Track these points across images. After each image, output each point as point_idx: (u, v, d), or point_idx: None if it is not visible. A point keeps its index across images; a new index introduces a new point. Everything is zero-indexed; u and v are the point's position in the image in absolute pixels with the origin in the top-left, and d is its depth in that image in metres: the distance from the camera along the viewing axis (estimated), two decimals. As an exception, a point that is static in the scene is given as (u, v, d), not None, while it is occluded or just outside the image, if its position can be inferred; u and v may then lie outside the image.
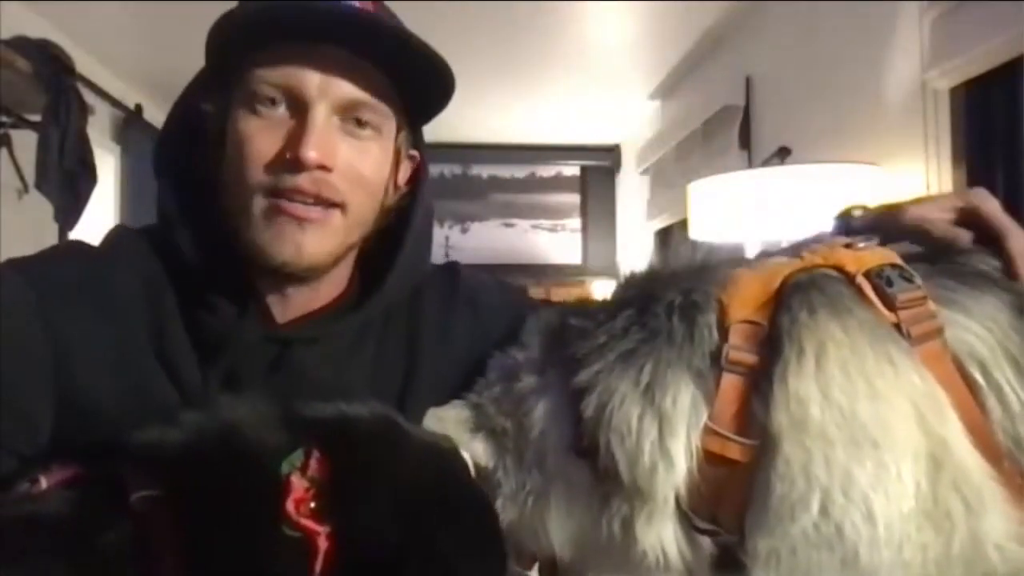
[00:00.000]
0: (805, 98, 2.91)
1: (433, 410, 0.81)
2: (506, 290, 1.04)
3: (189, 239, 0.84)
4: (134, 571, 0.58)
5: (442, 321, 0.94)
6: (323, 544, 0.59)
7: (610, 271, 5.10)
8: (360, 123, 0.83)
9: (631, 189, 5.25)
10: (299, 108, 0.80)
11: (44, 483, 0.64)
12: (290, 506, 0.60)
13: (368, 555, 0.61)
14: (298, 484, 0.61)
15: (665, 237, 4.52)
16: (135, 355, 0.82)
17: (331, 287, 0.89)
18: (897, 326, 0.66)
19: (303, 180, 0.79)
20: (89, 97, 3.18)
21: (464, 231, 5.67)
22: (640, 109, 4.70)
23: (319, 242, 0.82)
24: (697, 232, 2.64)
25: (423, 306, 0.94)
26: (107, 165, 3.58)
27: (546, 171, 5.76)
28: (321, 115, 0.80)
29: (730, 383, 0.68)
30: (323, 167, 0.80)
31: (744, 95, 3.36)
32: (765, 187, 2.42)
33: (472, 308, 0.96)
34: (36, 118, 2.85)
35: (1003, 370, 0.65)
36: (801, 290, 0.69)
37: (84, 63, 3.23)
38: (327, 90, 0.80)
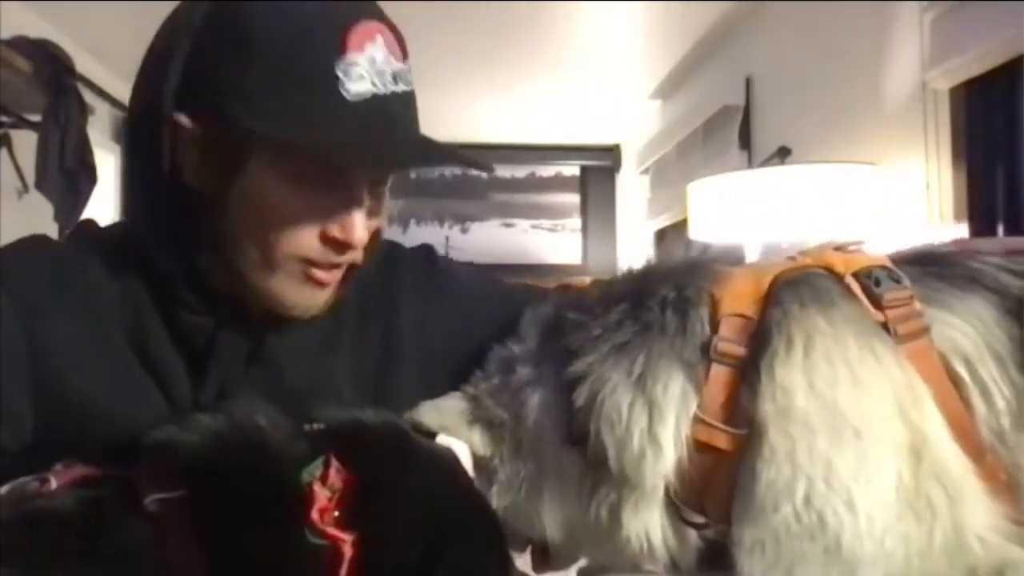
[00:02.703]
0: (805, 98, 2.91)
1: (431, 402, 0.83)
2: (482, 275, 1.04)
3: (161, 245, 0.82)
4: (150, 574, 0.58)
5: (419, 307, 0.94)
6: (348, 552, 0.60)
7: (610, 271, 5.09)
8: (382, 190, 0.83)
9: (631, 189, 5.25)
10: (340, 182, 0.79)
11: (54, 483, 0.63)
12: (315, 515, 0.61)
13: (392, 562, 0.62)
14: (321, 493, 0.62)
15: (665, 237, 4.52)
16: (112, 349, 0.82)
17: None
18: (884, 324, 0.68)
19: (344, 258, 0.81)
20: (89, 97, 3.18)
21: (464, 231, 5.66)
22: (640, 109, 4.70)
23: (330, 296, 0.84)
24: (697, 232, 2.64)
25: (400, 293, 0.94)
26: (107, 165, 3.57)
27: (546, 171, 5.76)
28: (366, 197, 0.80)
29: (718, 374, 0.70)
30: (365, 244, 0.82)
31: (744, 95, 3.36)
32: (765, 187, 2.42)
33: (449, 294, 0.96)
34: (36, 118, 2.85)
35: (988, 367, 0.67)
36: (792, 286, 0.71)
37: (84, 63, 3.22)
38: (367, 173, 0.80)
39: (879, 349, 0.67)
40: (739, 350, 0.70)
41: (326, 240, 0.79)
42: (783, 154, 2.83)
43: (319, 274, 0.81)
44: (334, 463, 0.64)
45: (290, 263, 0.80)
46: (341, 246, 0.79)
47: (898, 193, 2.27)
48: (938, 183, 2.22)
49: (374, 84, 0.76)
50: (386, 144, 0.79)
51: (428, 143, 0.81)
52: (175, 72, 0.79)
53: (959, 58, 2.12)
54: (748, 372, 0.69)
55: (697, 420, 0.70)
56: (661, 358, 0.71)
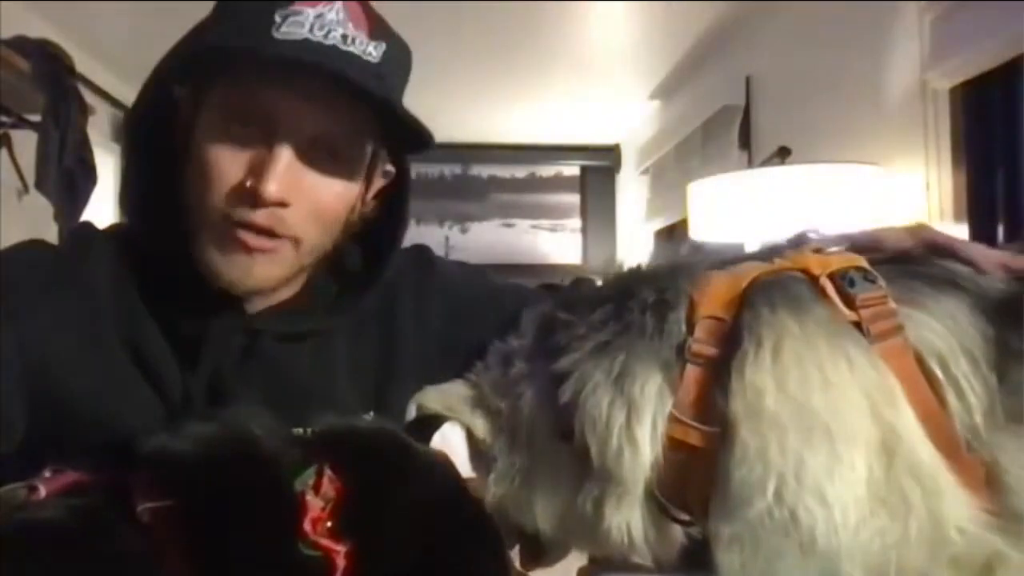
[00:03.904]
0: (805, 98, 2.91)
1: (435, 386, 0.85)
2: (475, 272, 1.06)
3: (155, 235, 0.84)
4: None
5: (417, 307, 0.95)
6: (341, 563, 0.60)
7: (610, 271, 5.08)
8: (331, 154, 0.81)
9: (631, 189, 5.25)
10: (269, 134, 0.79)
11: (43, 491, 0.63)
12: (308, 525, 0.60)
13: (387, 572, 0.62)
14: (314, 503, 0.61)
15: (665, 237, 4.52)
16: (106, 351, 0.82)
17: (290, 288, 0.90)
18: (858, 324, 0.69)
19: (258, 216, 0.79)
20: (89, 97, 3.18)
21: (464, 231, 5.66)
22: (640, 109, 4.70)
23: (267, 270, 0.82)
24: (697, 232, 2.64)
25: (397, 293, 0.95)
26: (107, 165, 3.57)
27: (546, 171, 5.76)
28: (288, 151, 0.79)
29: (692, 374, 0.72)
30: (281, 203, 0.79)
31: (744, 95, 3.36)
32: (765, 187, 2.42)
33: (444, 290, 0.98)
34: (36, 118, 2.85)
35: (960, 365, 0.67)
36: (766, 289, 0.73)
37: (84, 63, 3.22)
38: (299, 123, 0.79)
39: (850, 349, 0.68)
40: (711, 351, 0.71)
41: (240, 189, 0.78)
42: (783, 154, 2.83)
43: (243, 235, 0.79)
44: (327, 472, 0.63)
45: (218, 223, 0.80)
46: (254, 197, 0.78)
47: (898, 193, 2.27)
48: (938, 183, 2.22)
49: (311, 33, 0.77)
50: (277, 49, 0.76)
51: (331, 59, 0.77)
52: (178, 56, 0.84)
53: (959, 58, 2.12)
54: (720, 372, 0.70)
55: (673, 418, 0.71)
56: (639, 358, 0.73)
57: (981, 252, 0.73)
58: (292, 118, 0.78)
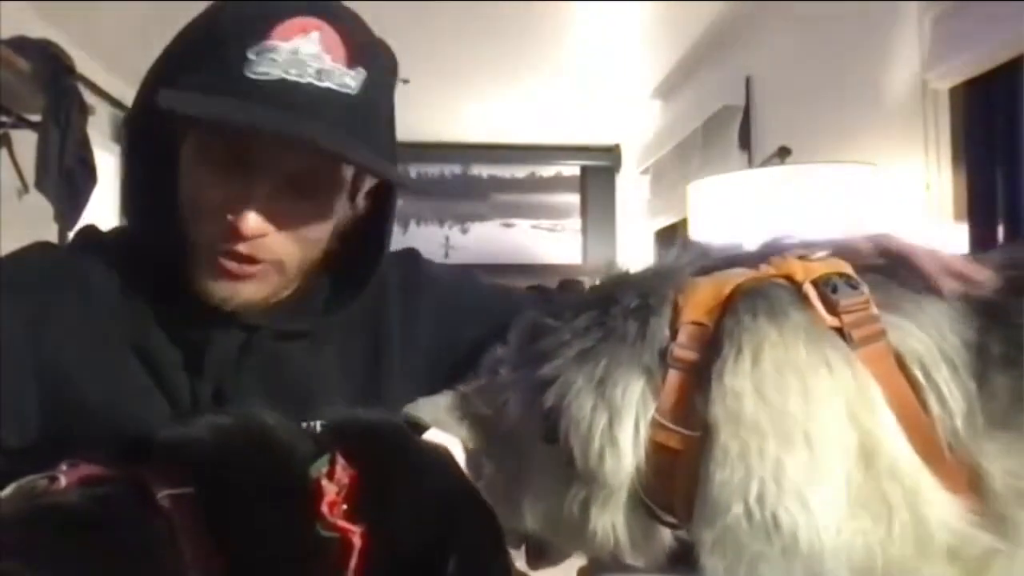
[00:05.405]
0: (805, 98, 2.92)
1: (426, 398, 0.86)
2: (463, 274, 1.06)
3: (156, 242, 0.84)
4: (163, 569, 0.59)
5: (406, 308, 0.96)
6: (358, 543, 0.63)
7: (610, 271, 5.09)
8: (310, 185, 0.81)
9: (631, 189, 5.26)
10: (246, 170, 0.79)
11: (63, 481, 0.64)
12: (325, 508, 0.63)
13: (400, 553, 0.64)
14: (329, 488, 0.64)
15: (665, 237, 4.53)
16: (115, 355, 0.83)
17: (286, 290, 0.90)
18: (839, 330, 0.70)
19: (240, 247, 0.80)
20: (89, 97, 3.18)
21: (464, 231, 5.67)
22: (640, 109, 4.70)
23: (254, 291, 0.84)
24: (697, 232, 2.64)
25: (387, 294, 0.95)
26: (107, 165, 3.57)
27: (546, 171, 5.76)
28: (265, 186, 0.78)
29: (674, 378, 0.72)
30: (261, 235, 0.79)
31: (744, 95, 3.36)
32: (765, 187, 2.42)
33: (432, 291, 0.98)
34: (36, 118, 2.85)
35: (941, 371, 0.68)
36: (749, 296, 0.73)
37: (84, 63, 3.23)
38: (275, 164, 0.78)
39: (830, 355, 0.69)
40: (693, 356, 0.72)
41: (222, 220, 0.79)
42: (783, 154, 2.83)
43: (227, 264, 0.81)
44: (339, 460, 0.66)
45: (204, 251, 0.81)
46: (231, 229, 0.78)
47: (898, 193, 2.27)
48: (938, 183, 2.22)
49: (286, 72, 0.75)
50: (255, 114, 0.75)
51: (309, 129, 0.76)
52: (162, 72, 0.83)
53: (959, 58, 2.12)
54: (702, 378, 0.71)
55: (655, 423, 0.72)
56: (621, 363, 0.74)
57: (936, 264, 0.73)
58: (267, 161, 0.79)
